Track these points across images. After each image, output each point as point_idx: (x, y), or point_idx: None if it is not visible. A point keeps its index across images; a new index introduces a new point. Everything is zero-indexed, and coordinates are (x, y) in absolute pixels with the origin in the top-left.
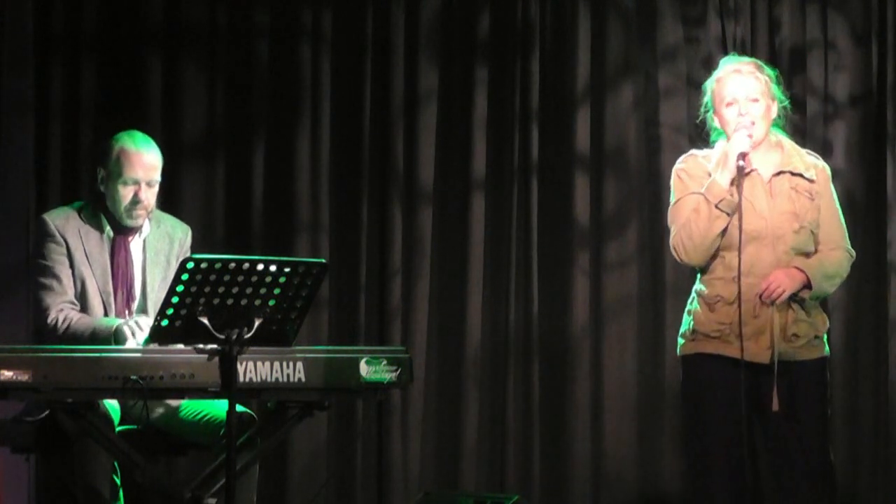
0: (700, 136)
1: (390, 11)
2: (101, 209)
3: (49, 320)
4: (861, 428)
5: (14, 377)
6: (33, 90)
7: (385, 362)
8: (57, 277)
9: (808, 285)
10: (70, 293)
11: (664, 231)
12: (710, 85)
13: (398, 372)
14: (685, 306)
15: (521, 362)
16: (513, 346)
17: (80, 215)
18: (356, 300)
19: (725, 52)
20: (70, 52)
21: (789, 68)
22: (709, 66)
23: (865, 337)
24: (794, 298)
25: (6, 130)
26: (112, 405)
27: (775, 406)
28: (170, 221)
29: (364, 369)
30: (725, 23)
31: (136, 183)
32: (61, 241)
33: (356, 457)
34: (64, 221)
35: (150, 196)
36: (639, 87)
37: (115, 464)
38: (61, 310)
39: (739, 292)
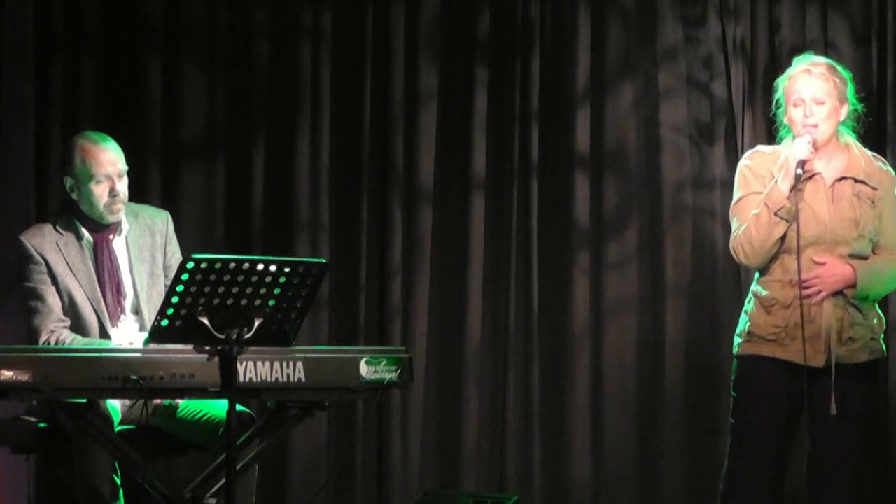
0: (701, 136)
1: (390, 11)
2: (76, 216)
3: (41, 343)
4: None
5: (14, 377)
6: (33, 90)
7: (385, 362)
8: (41, 298)
9: (853, 284)
10: (57, 311)
11: (664, 231)
12: (781, 82)
13: (398, 372)
14: (687, 307)
15: (521, 362)
16: (513, 346)
17: (55, 228)
18: (356, 300)
19: (725, 53)
20: (70, 52)
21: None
22: (709, 65)
23: None
24: (849, 301)
25: (6, 130)
26: (112, 405)
27: (833, 410)
28: (146, 212)
29: (364, 369)
30: (725, 23)
31: (109, 178)
32: (40, 259)
33: (356, 457)
34: (40, 239)
35: (124, 187)
36: (639, 87)
37: (115, 464)
38: (52, 331)
39: (801, 298)
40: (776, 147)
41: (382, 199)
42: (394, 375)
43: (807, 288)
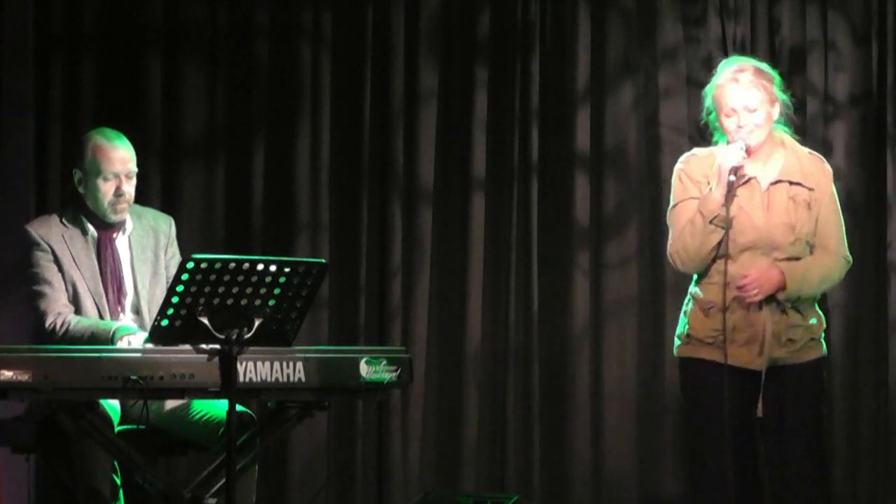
0: (701, 136)
1: (390, 11)
2: (81, 211)
3: (48, 325)
4: (861, 428)
5: (14, 377)
6: (33, 90)
7: (385, 362)
8: (49, 283)
9: (784, 287)
10: (64, 297)
11: (664, 231)
12: (710, 90)
13: (398, 372)
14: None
15: (520, 362)
16: (513, 347)
17: (61, 220)
18: (356, 300)
19: (725, 53)
20: (70, 52)
21: (789, 68)
22: (709, 66)
23: (865, 337)
24: (790, 304)
25: (6, 130)
26: (112, 405)
27: (760, 412)
28: (151, 214)
29: (364, 369)
30: (725, 23)
31: (117, 177)
32: (47, 247)
33: (356, 457)
34: (46, 229)
35: (130, 188)
36: (639, 87)
37: (115, 464)
38: (59, 314)
39: (724, 306)
40: (712, 149)
41: (382, 199)
42: (394, 375)
43: (744, 292)
